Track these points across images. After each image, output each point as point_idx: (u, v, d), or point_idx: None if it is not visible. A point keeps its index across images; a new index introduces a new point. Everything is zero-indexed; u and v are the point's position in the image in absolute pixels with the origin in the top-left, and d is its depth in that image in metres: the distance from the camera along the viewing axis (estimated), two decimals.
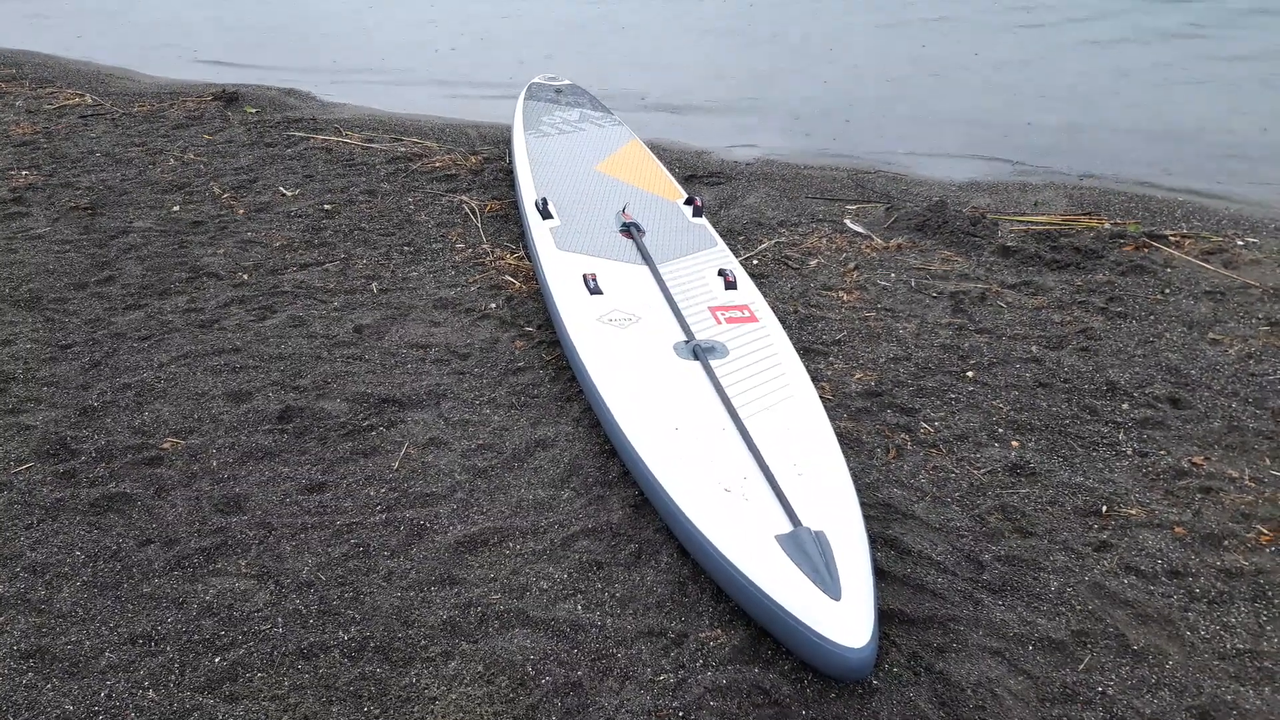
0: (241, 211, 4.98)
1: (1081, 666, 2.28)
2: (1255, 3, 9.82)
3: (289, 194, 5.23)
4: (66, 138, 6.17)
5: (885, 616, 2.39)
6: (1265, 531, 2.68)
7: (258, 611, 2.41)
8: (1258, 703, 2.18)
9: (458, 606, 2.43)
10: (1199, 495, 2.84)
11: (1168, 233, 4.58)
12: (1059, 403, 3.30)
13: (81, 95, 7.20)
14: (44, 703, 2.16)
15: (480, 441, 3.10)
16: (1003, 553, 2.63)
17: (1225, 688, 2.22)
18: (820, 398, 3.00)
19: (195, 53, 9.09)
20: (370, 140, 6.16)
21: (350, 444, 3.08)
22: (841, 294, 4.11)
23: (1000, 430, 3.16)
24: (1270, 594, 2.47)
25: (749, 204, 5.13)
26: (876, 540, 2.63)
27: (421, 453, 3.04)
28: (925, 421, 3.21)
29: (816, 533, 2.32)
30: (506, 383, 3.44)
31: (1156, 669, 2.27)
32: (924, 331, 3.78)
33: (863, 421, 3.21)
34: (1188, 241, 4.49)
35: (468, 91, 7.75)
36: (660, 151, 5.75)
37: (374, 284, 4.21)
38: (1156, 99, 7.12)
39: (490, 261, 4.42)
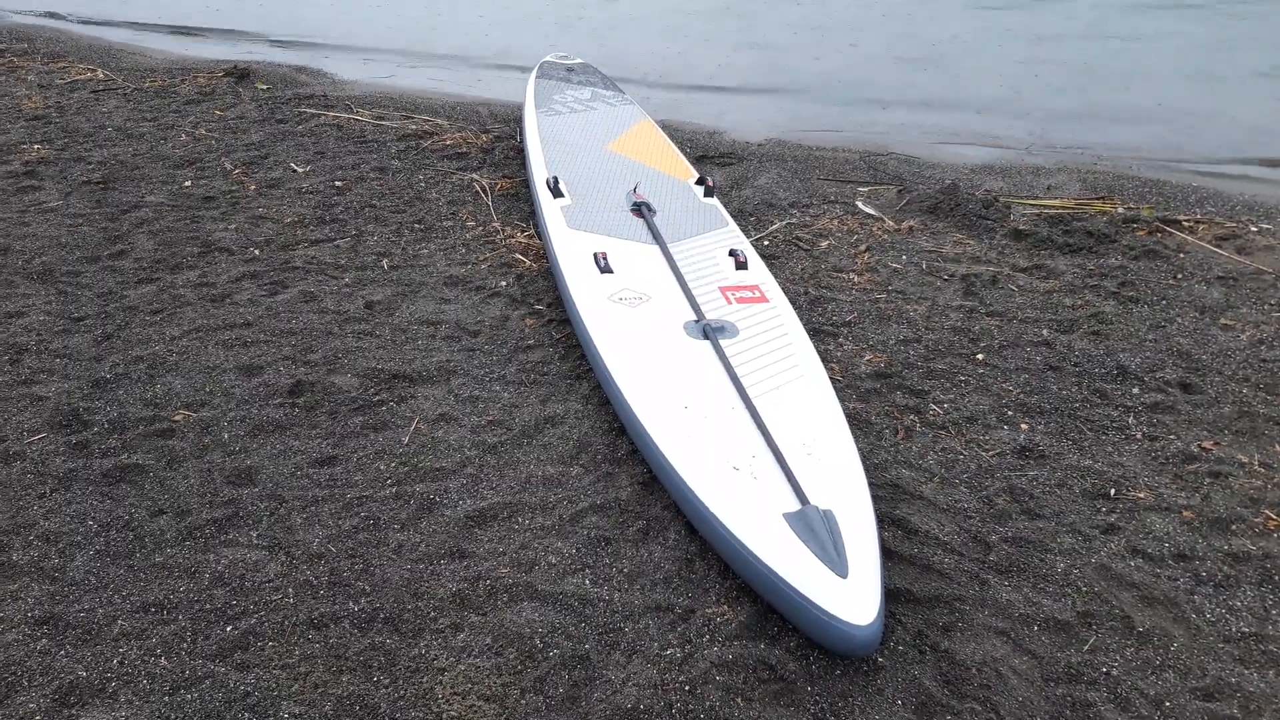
0: (253, 187, 4.99)
1: (1086, 647, 2.28)
2: None
3: (300, 170, 5.23)
4: (78, 112, 6.18)
5: (892, 595, 2.40)
6: (1274, 516, 2.68)
7: (269, 582, 2.44)
8: (1261, 685, 2.18)
9: (467, 579, 2.45)
10: (1208, 480, 2.84)
11: (1181, 217, 4.55)
12: (1069, 386, 3.30)
13: (93, 70, 7.20)
14: (57, 668, 2.18)
15: (490, 418, 3.11)
16: (1010, 534, 2.63)
17: (1229, 670, 2.22)
18: (830, 378, 3.00)
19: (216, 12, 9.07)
20: (381, 118, 6.15)
21: (361, 419, 3.10)
22: (852, 275, 4.10)
23: (1010, 413, 3.16)
24: (1277, 578, 2.47)
25: (760, 185, 5.12)
26: (884, 520, 2.64)
27: (431, 428, 3.06)
28: (935, 403, 3.21)
29: (824, 511, 2.33)
30: (516, 360, 3.45)
31: (1161, 651, 2.28)
32: (935, 314, 3.77)
33: (872, 402, 3.21)
34: (1201, 226, 4.46)
35: (478, 69, 7.72)
36: (672, 131, 5.72)
37: (385, 261, 4.21)
38: (1172, 81, 7.05)
39: (501, 239, 4.42)
